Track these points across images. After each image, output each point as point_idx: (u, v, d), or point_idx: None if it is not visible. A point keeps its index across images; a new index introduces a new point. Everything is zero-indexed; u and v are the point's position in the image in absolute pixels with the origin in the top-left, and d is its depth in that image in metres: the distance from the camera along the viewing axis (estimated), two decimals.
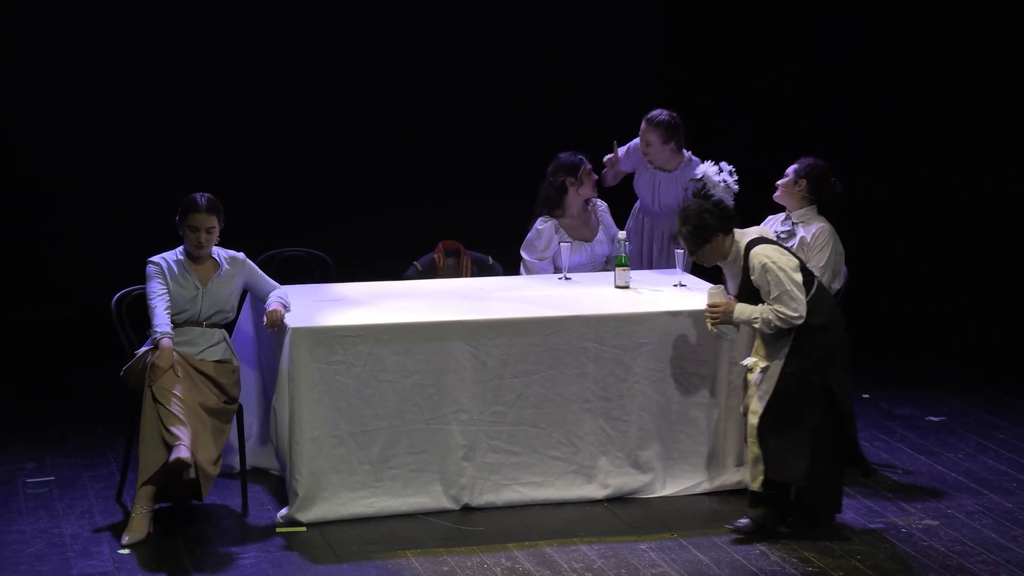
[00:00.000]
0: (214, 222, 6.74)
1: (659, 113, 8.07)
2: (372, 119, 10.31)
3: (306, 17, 10.16)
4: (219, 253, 6.85)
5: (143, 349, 6.73)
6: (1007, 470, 7.38)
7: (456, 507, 6.77)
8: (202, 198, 6.74)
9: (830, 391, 6.42)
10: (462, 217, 9.37)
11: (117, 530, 6.54)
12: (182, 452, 6.25)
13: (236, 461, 6.96)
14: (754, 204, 7.74)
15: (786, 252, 6.51)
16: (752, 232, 6.59)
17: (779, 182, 7.43)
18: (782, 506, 6.53)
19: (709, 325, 6.61)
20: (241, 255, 6.90)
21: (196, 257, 6.77)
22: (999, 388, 8.67)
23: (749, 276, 6.47)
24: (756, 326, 6.46)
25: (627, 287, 7.33)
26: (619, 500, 6.90)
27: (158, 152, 9.98)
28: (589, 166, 7.87)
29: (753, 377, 6.53)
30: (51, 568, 6.17)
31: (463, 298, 7.18)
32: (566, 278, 7.55)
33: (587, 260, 7.84)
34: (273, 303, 6.71)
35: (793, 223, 7.40)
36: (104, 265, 9.21)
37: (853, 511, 6.80)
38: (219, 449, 6.53)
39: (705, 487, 6.99)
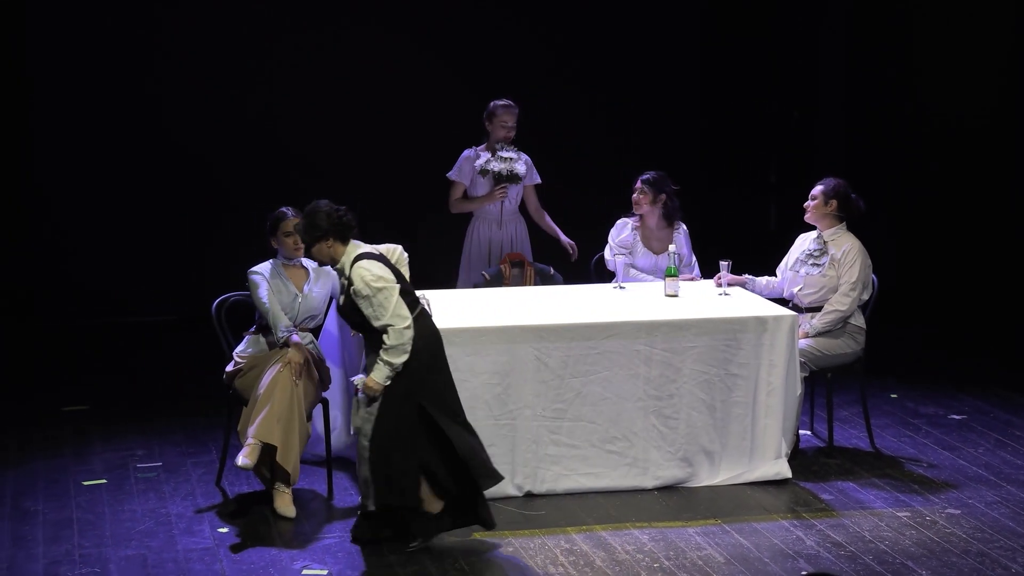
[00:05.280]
0: None
1: (503, 99, 8.18)
2: (449, 137, 10.31)
3: (377, 36, 10.16)
4: (307, 262, 6.89)
5: (239, 348, 6.77)
6: (1023, 464, 7.29)
7: (520, 494, 6.75)
8: (288, 209, 6.83)
9: (425, 411, 5.95)
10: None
11: (218, 511, 6.59)
12: (240, 460, 6.35)
13: (323, 450, 6.97)
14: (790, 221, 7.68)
15: (387, 269, 5.97)
16: (365, 247, 6.09)
17: (809, 204, 7.37)
18: (403, 523, 6.07)
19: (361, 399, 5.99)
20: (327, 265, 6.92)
21: (290, 265, 6.80)
22: (1015, 390, 8.57)
23: (351, 288, 5.98)
24: (388, 376, 5.91)
25: (676, 296, 7.30)
26: (668, 489, 6.87)
27: (249, 168, 10.02)
28: (640, 185, 7.81)
29: (359, 396, 6.05)
30: (159, 544, 6.22)
31: (527, 305, 7.17)
32: (620, 287, 7.52)
33: (650, 267, 7.80)
34: None
35: (824, 242, 7.36)
36: (203, 276, 9.28)
37: (882, 501, 6.74)
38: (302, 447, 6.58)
39: (747, 477, 6.93)
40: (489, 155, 8.10)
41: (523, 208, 8.37)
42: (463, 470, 6.05)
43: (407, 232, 10.04)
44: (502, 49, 10.27)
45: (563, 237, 8.29)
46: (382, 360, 5.92)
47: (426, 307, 6.16)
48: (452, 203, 8.30)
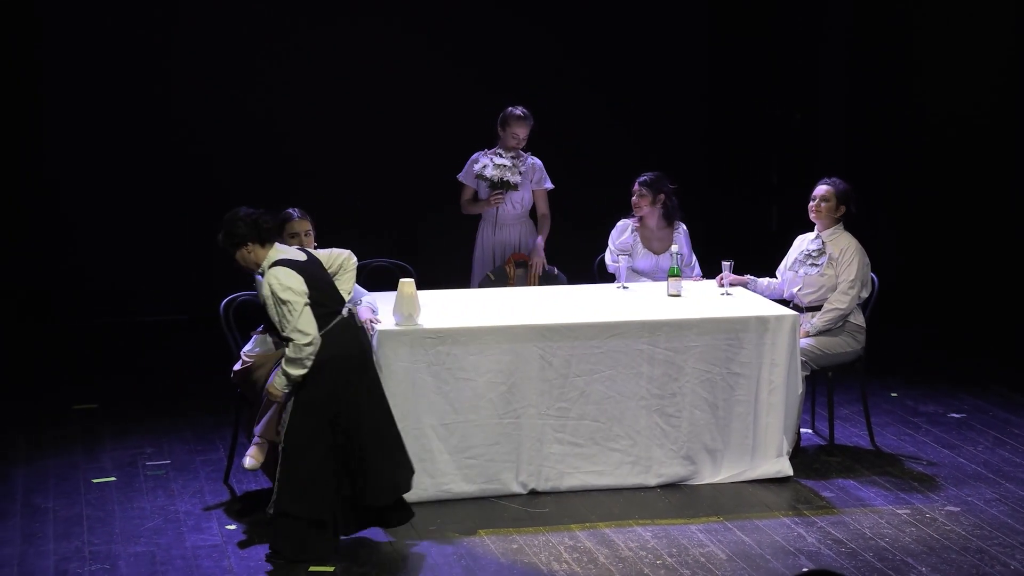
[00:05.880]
0: (308, 226, 6.84)
1: (519, 108, 8.04)
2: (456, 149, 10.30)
3: (380, 35, 10.16)
4: None
5: (247, 348, 6.78)
6: (1022, 462, 7.30)
7: (524, 492, 6.76)
8: (294, 210, 6.85)
9: (338, 425, 5.88)
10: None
11: (226, 508, 6.60)
12: (247, 461, 6.37)
13: None
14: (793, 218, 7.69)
15: (300, 279, 5.81)
16: (290, 252, 5.96)
17: (820, 204, 7.36)
18: (302, 533, 5.93)
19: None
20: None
21: None
22: (1014, 389, 8.57)
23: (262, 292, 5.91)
24: (286, 385, 5.86)
25: (678, 295, 7.31)
26: (671, 487, 6.88)
27: (257, 169, 10.02)
28: (638, 188, 7.81)
29: (281, 405, 5.99)
30: (167, 541, 6.24)
31: (531, 305, 7.18)
32: (624, 287, 7.53)
33: (651, 268, 7.81)
34: (364, 311, 6.73)
35: (823, 242, 7.37)
36: (211, 276, 9.28)
37: (882, 498, 6.75)
38: None
39: (748, 475, 6.94)
40: (488, 161, 8.04)
41: (534, 212, 8.34)
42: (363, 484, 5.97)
43: (407, 232, 10.09)
44: (505, 50, 10.27)
45: (537, 254, 8.06)
46: (282, 368, 5.87)
47: (352, 319, 6.02)
48: (462, 204, 8.26)
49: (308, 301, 5.83)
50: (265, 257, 5.93)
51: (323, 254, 6.17)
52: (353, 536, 6.21)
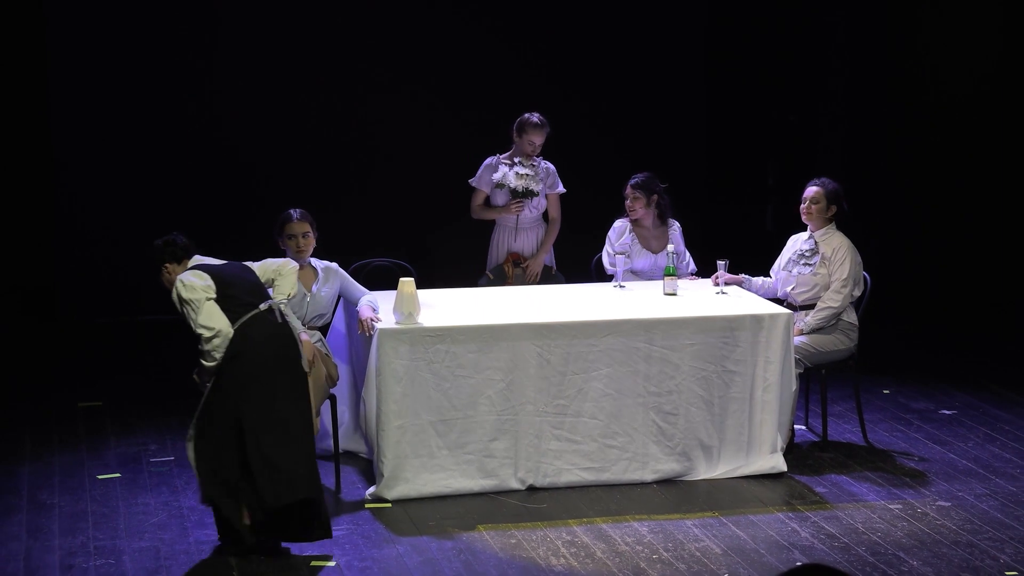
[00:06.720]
0: (307, 228, 6.86)
1: (536, 115, 7.95)
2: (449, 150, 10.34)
3: (388, 46, 10.18)
4: (316, 263, 6.93)
5: None
6: (1011, 458, 7.33)
7: (523, 488, 6.79)
8: (294, 211, 6.86)
9: (240, 424, 5.87)
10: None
11: None
12: None
13: (330, 445, 7.02)
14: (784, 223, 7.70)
15: (206, 277, 5.94)
16: (207, 260, 6.09)
17: (812, 207, 7.39)
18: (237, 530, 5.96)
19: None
20: (334, 265, 6.96)
21: (299, 265, 6.83)
22: (1004, 386, 8.60)
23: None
24: (204, 376, 6.03)
25: (674, 294, 7.34)
26: (667, 483, 6.91)
27: (263, 169, 10.03)
28: (631, 191, 7.81)
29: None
30: (171, 536, 6.27)
31: (529, 303, 7.21)
32: (620, 286, 7.56)
33: (649, 267, 7.83)
34: (364, 309, 6.77)
35: (816, 242, 7.41)
36: None
37: (875, 493, 6.78)
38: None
39: (743, 471, 6.97)
40: (507, 169, 7.91)
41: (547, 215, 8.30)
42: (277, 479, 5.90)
43: (410, 233, 10.11)
44: (503, 53, 10.29)
45: (535, 263, 8.05)
46: (199, 360, 5.99)
47: (271, 314, 6.02)
48: (473, 209, 8.12)
49: (212, 297, 5.94)
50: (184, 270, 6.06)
51: (257, 265, 6.22)
52: (342, 532, 6.25)
